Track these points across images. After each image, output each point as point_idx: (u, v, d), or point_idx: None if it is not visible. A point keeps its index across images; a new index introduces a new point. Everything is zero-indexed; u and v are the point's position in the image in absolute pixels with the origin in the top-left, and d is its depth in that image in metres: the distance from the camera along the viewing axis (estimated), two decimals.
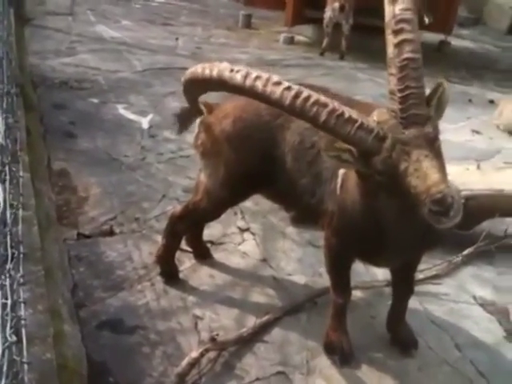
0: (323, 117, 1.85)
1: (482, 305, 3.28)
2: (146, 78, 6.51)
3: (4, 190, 2.02)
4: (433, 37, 9.01)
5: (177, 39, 8.30)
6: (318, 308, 3.06)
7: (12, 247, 1.80)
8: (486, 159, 5.00)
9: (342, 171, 2.34)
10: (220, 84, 1.97)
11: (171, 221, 3.09)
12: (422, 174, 1.79)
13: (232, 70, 1.91)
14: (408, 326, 2.89)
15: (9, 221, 1.91)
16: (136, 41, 7.95)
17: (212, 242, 3.56)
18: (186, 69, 2.17)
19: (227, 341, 2.71)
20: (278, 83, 1.86)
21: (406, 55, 1.87)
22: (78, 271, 3.14)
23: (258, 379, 2.60)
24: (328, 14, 8.13)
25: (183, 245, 3.29)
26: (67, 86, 5.90)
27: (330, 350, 2.76)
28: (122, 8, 9.90)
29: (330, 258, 2.67)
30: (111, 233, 3.53)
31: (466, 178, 3.75)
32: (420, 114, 1.88)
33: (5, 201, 1.96)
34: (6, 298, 1.61)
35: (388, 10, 1.92)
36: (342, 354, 2.73)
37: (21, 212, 2.06)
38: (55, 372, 1.97)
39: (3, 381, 1.43)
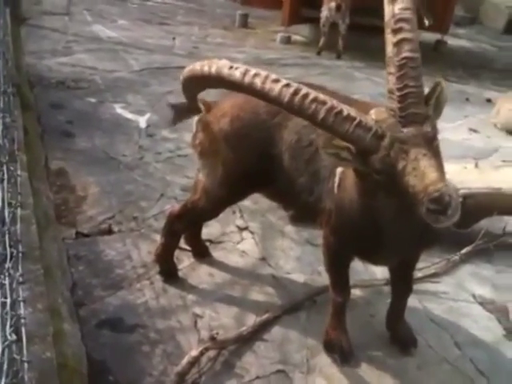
0: (322, 114, 1.85)
1: (481, 303, 3.28)
2: (143, 78, 6.49)
3: (2, 189, 2.02)
4: (429, 36, 9.02)
5: (174, 39, 8.28)
6: (318, 306, 3.06)
7: (11, 246, 1.80)
8: (483, 158, 5.01)
9: (339, 170, 2.35)
10: (219, 81, 1.97)
11: (169, 220, 3.09)
12: (419, 173, 1.80)
13: (231, 67, 1.92)
14: (407, 324, 2.89)
15: (7, 220, 1.91)
16: (133, 40, 7.92)
17: (211, 241, 3.55)
18: (183, 68, 2.17)
19: (227, 339, 2.71)
20: (277, 80, 1.86)
21: (404, 54, 1.87)
22: (77, 270, 3.13)
23: (257, 378, 2.60)
24: (324, 13, 8.12)
25: (182, 243, 3.28)
26: (64, 85, 5.87)
27: (330, 348, 2.76)
28: (118, 8, 9.86)
29: (329, 257, 2.68)
30: (110, 232, 3.53)
31: (464, 176, 3.75)
32: (419, 112, 1.88)
33: (3, 200, 1.96)
34: (6, 297, 1.61)
35: (387, 9, 1.92)
36: (342, 353, 2.73)
37: (19, 211, 2.06)
38: (55, 371, 1.97)
39: (3, 379, 1.43)
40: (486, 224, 3.69)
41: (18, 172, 2.35)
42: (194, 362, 2.53)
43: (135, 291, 3.04)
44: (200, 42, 8.44)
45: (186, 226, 3.15)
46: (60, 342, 2.21)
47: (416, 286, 2.99)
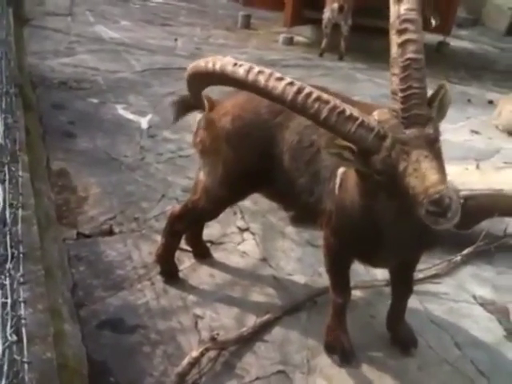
0: (324, 113, 1.85)
1: (481, 304, 3.28)
2: (145, 79, 6.51)
3: (3, 189, 2.02)
4: (432, 37, 9.01)
5: (176, 40, 8.29)
6: (318, 307, 3.06)
7: (12, 247, 1.80)
8: (485, 159, 5.01)
9: (341, 170, 2.34)
10: (222, 78, 1.97)
11: (170, 220, 3.09)
12: (420, 175, 1.79)
13: (235, 64, 1.92)
14: (408, 325, 2.89)
15: (8, 220, 1.91)
16: (135, 41, 7.94)
17: (211, 242, 3.56)
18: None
19: (227, 340, 2.71)
20: (281, 78, 1.87)
21: (409, 55, 1.87)
22: (78, 270, 3.13)
23: (258, 378, 2.59)
24: (327, 14, 8.13)
25: (183, 244, 3.29)
26: (66, 86, 5.89)
27: (331, 349, 2.76)
28: (120, 8, 9.89)
29: (329, 258, 2.67)
30: (111, 232, 3.53)
31: (466, 177, 3.75)
32: (421, 114, 1.88)
33: (4, 200, 1.96)
34: (6, 298, 1.61)
35: (393, 10, 1.92)
36: (343, 353, 2.73)
37: (20, 211, 2.06)
38: (56, 371, 1.97)
39: (4, 380, 1.43)
40: (487, 225, 3.68)
41: (20, 173, 2.34)
42: (195, 362, 2.53)
43: (136, 292, 3.04)
44: (202, 42, 8.46)
45: (186, 227, 3.15)
46: (60, 343, 2.21)
47: (417, 287, 2.99)
